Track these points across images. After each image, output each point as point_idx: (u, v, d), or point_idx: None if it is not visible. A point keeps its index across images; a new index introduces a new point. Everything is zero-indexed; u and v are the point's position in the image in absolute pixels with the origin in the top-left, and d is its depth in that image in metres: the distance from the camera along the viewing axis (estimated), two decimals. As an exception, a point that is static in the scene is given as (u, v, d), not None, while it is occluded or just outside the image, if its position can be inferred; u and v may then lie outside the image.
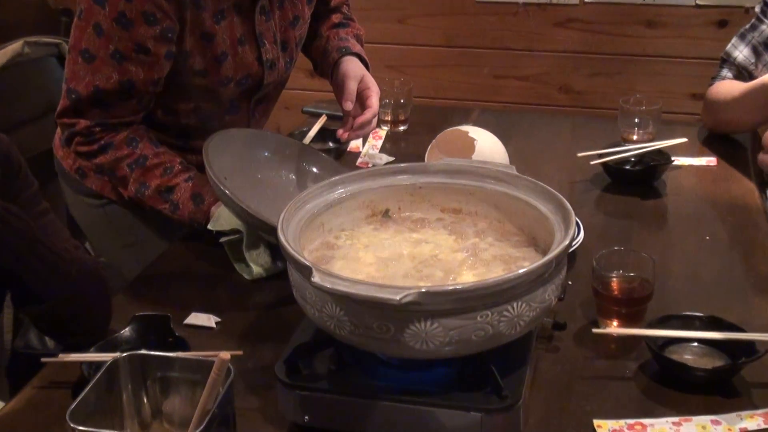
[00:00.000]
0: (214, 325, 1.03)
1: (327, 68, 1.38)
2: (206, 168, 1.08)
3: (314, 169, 1.29)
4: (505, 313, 0.79)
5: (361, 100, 1.31)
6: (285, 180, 1.25)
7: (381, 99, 1.67)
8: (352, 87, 1.30)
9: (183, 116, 1.26)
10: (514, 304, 0.79)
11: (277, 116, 2.11)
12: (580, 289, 1.08)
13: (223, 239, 1.15)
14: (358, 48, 1.39)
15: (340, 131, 1.30)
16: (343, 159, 1.55)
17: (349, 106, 1.29)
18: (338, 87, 1.33)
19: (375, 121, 1.32)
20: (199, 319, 1.04)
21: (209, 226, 1.15)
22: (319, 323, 0.84)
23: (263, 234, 1.11)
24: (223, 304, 1.09)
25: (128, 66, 1.13)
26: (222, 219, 1.14)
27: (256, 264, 1.13)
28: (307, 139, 1.55)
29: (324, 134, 1.64)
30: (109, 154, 1.18)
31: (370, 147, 1.61)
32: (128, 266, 1.30)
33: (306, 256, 0.84)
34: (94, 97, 1.15)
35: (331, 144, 1.62)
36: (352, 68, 1.33)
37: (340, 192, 0.99)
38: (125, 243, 1.33)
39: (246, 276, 1.13)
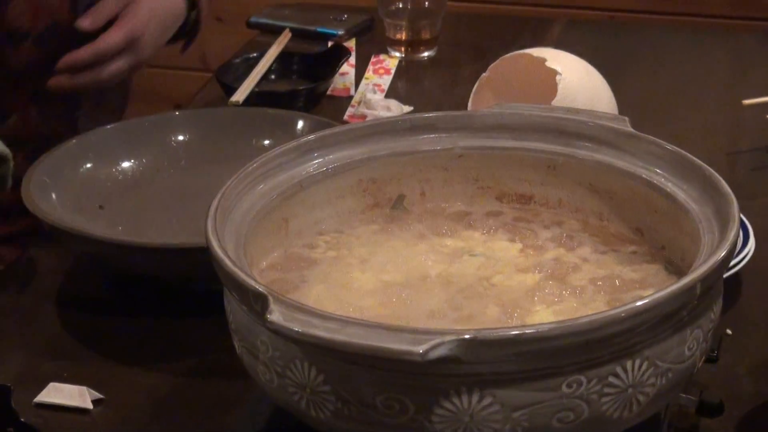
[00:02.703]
0: (90, 406, 1.04)
1: None
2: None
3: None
4: (611, 379, 0.79)
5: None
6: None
7: (390, 1, 1.70)
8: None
9: None
10: (627, 365, 0.80)
11: (205, 35, 2.12)
12: (750, 342, 1.08)
13: None
14: None
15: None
16: (320, 108, 1.55)
17: (85, 24, 1.36)
18: None
19: (103, 75, 1.37)
20: (64, 393, 1.05)
21: None
22: (279, 398, 0.85)
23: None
24: (107, 365, 1.10)
25: None
26: None
27: None
28: (254, 76, 1.56)
29: (287, 64, 1.65)
30: None
31: (368, 87, 1.62)
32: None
33: (257, 277, 0.84)
34: None
35: (298, 81, 1.63)
36: None
37: (317, 163, 0.99)
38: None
39: None
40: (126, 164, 1.32)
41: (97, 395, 1.05)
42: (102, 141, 1.32)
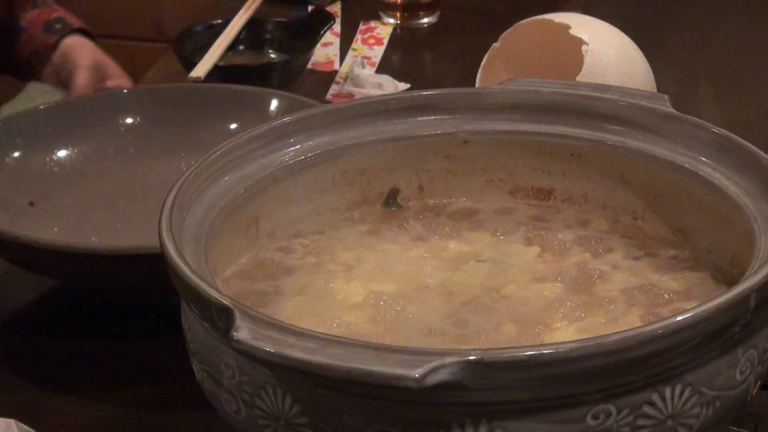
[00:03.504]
0: (19, 442, 1.05)
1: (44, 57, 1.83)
2: None
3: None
4: (646, 409, 0.80)
5: None
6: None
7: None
8: (83, 81, 1.75)
9: None
10: (666, 392, 0.80)
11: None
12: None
13: None
14: (79, 22, 1.84)
15: None
16: (298, 85, 1.56)
17: None
18: (63, 81, 1.78)
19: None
20: (-12, 427, 1.06)
21: None
22: (247, 431, 0.85)
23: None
24: (41, 393, 1.10)
25: None
26: None
27: None
28: (219, 47, 1.57)
29: (259, 32, 1.65)
30: None
31: (356, 60, 1.63)
32: None
33: (221, 288, 0.85)
34: None
35: (271, 53, 1.63)
36: (84, 52, 1.79)
37: (293, 151, 1.00)
38: None
39: None
40: (63, 152, 1.32)
41: (28, 430, 1.05)
42: (33, 124, 1.32)
